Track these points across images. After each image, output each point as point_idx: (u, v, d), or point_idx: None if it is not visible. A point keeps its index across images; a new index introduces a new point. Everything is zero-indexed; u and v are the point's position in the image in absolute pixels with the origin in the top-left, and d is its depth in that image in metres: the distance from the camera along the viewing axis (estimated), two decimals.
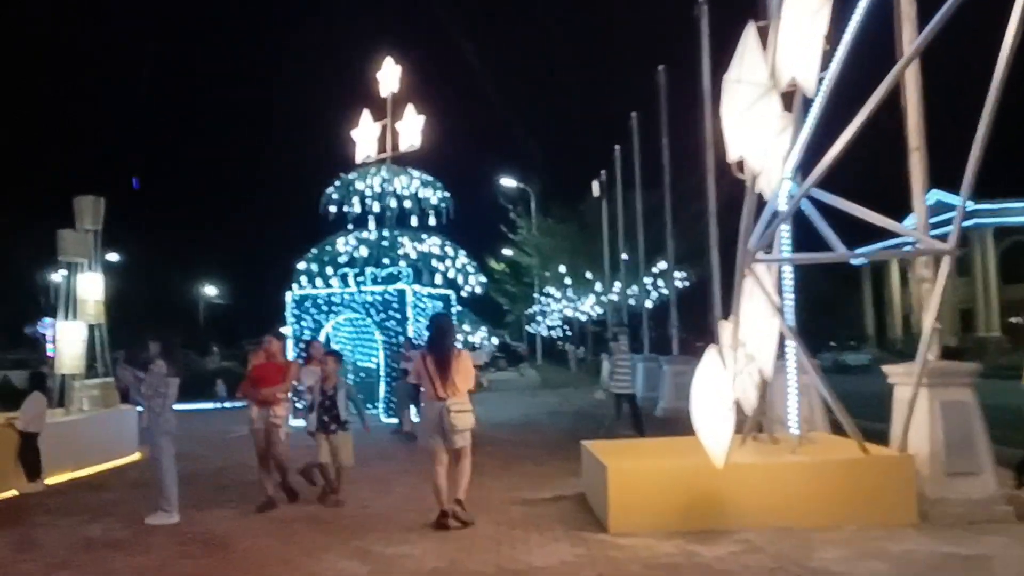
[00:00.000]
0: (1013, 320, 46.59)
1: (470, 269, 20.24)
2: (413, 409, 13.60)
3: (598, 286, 31.40)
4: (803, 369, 6.88)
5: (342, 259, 19.15)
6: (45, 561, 6.10)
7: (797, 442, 6.69)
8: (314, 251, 19.77)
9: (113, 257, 45.70)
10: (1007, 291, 46.75)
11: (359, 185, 19.62)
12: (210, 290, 56.57)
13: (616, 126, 24.79)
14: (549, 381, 30.79)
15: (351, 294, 17.54)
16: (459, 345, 8.49)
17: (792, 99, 6.26)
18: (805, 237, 7.33)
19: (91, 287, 13.04)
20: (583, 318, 35.38)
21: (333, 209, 19.69)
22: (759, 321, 6.42)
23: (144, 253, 46.25)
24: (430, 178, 20.04)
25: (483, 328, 35.39)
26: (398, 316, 16.87)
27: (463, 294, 20.07)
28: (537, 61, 61.90)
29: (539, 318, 38.74)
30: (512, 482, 8.80)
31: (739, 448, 6.61)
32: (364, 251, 19.02)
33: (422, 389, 7.21)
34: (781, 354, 6.75)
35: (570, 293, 34.29)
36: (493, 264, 38.16)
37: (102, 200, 13.27)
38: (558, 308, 36.09)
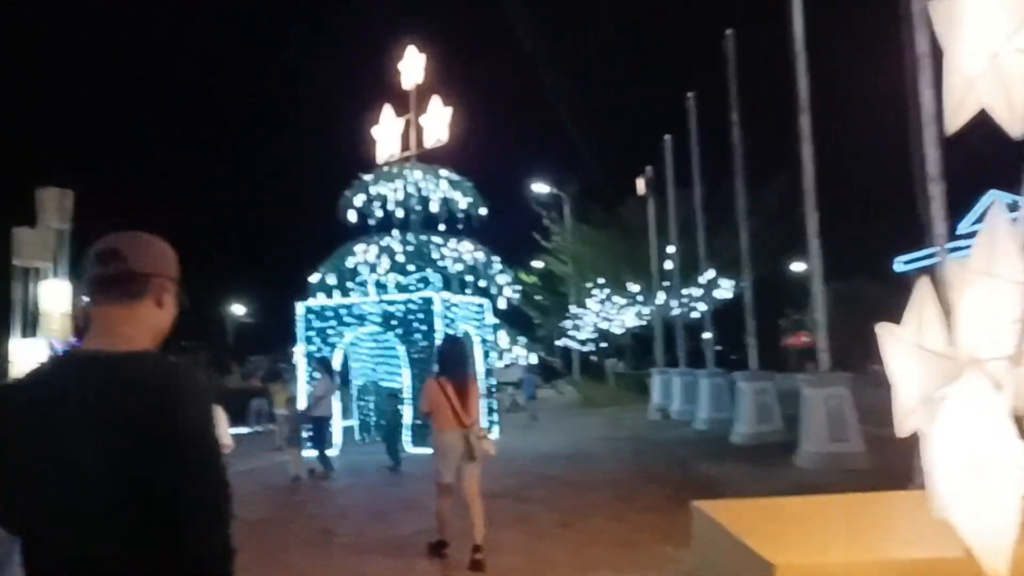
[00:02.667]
0: None
1: (504, 277, 17.94)
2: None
3: (640, 295, 28.85)
4: None
5: (362, 267, 16.93)
6: None
7: None
8: (330, 260, 17.60)
9: None
10: None
11: (381, 187, 17.43)
12: (238, 309, 54.88)
13: (663, 116, 22.48)
14: (591, 399, 28.28)
15: (370, 304, 15.26)
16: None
17: None
18: None
19: (56, 297, 10.91)
20: (619, 330, 32.77)
21: (353, 214, 17.54)
22: (1001, 314, 3.92)
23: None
24: (458, 177, 17.84)
25: (521, 340, 33.03)
26: (424, 328, 14.52)
27: (498, 304, 17.76)
28: (573, 41, 58.18)
29: (573, 332, 36.18)
30: (581, 550, 6.35)
31: None
32: (385, 258, 16.77)
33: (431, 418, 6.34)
34: None
35: (608, 303, 31.77)
36: (523, 276, 35.69)
37: (70, 193, 11.13)
38: (594, 320, 33.47)
